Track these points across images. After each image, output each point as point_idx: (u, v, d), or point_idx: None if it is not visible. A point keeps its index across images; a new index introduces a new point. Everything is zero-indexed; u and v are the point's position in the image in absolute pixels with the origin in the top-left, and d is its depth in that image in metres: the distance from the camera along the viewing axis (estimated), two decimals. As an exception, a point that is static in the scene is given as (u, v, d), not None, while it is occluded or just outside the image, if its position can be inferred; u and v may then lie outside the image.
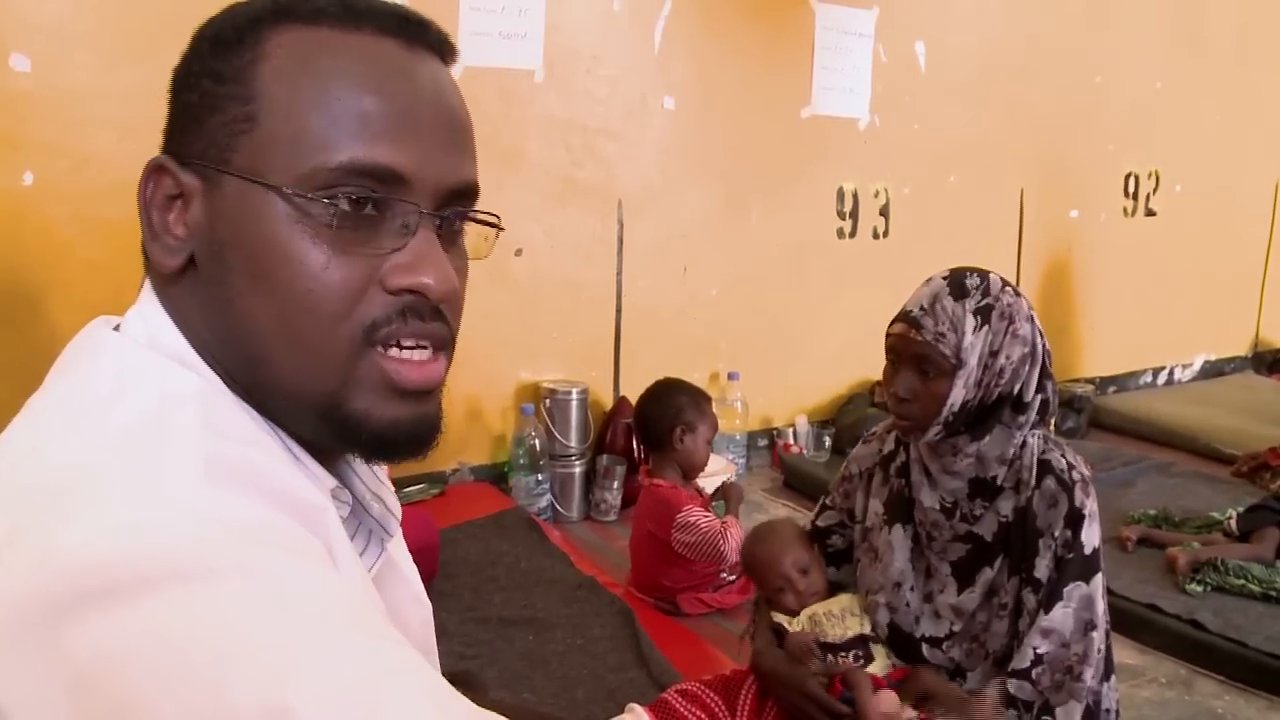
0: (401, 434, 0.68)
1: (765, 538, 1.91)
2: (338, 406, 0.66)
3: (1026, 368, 1.60)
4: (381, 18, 0.67)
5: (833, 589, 1.84)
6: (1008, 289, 1.63)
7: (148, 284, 0.71)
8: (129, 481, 0.56)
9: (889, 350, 1.66)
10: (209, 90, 0.66)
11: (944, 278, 1.64)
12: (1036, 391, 1.61)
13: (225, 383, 0.67)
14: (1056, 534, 1.58)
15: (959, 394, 1.58)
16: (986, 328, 1.58)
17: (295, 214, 0.64)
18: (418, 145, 0.66)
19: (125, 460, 0.58)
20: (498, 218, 0.74)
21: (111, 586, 0.51)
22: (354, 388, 0.66)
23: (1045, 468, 1.62)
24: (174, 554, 0.53)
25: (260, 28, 0.66)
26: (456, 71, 0.73)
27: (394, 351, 0.67)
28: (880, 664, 1.72)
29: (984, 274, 1.64)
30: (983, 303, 1.60)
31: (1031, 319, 1.62)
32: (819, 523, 1.92)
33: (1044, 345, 1.63)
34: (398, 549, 0.83)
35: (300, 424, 0.68)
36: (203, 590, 0.52)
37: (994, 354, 1.58)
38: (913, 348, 1.61)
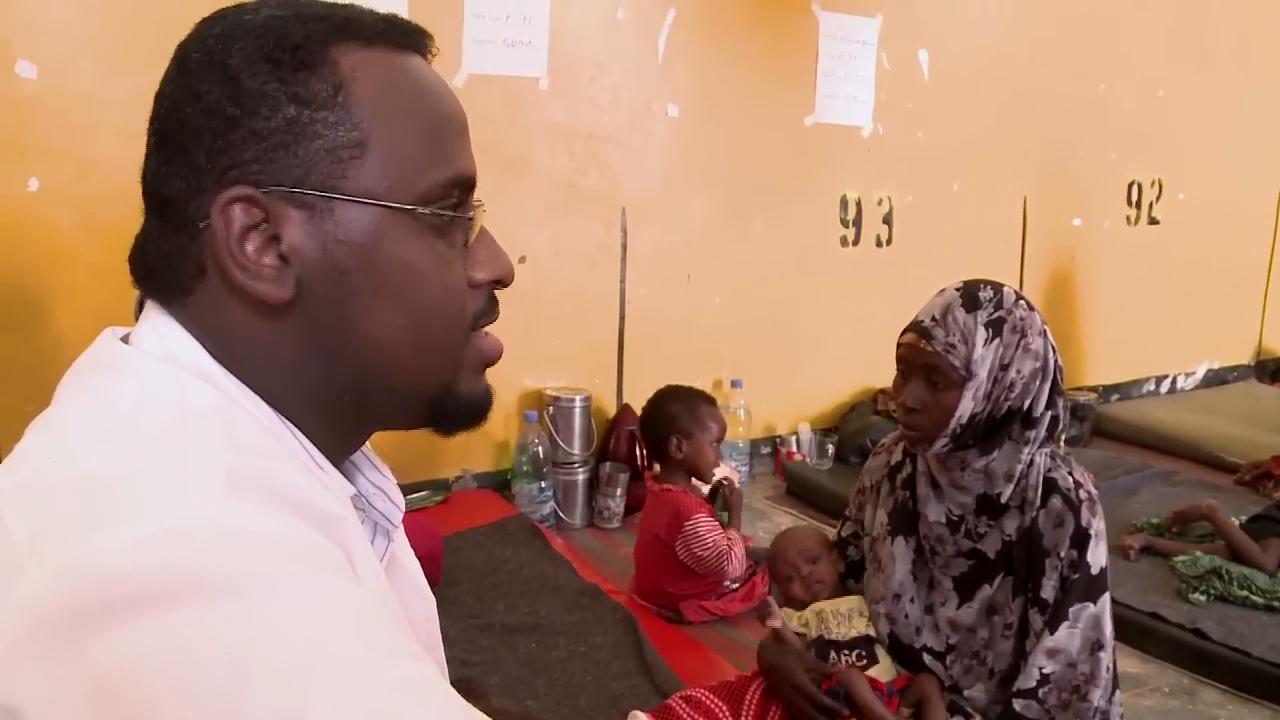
0: (488, 402, 0.77)
1: (780, 536, 1.99)
2: (449, 391, 0.74)
3: (1037, 383, 1.58)
4: (414, 37, 0.73)
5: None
6: (1021, 302, 1.62)
7: (153, 304, 0.70)
8: (152, 493, 0.57)
9: (899, 360, 1.66)
10: (296, 117, 0.66)
11: (957, 289, 1.63)
12: (1047, 408, 1.59)
13: (300, 399, 0.69)
14: (1063, 554, 1.57)
15: (968, 406, 1.57)
16: (998, 341, 1.57)
17: (419, 229, 0.69)
18: (469, 150, 0.74)
19: (148, 472, 0.58)
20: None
21: (134, 597, 0.52)
22: (461, 371, 0.74)
23: (1051, 486, 1.60)
24: (197, 565, 0.54)
25: (323, 49, 0.67)
26: (461, 79, 0.78)
27: (479, 332, 0.76)
28: (885, 666, 1.73)
29: (998, 286, 1.63)
30: (995, 315, 1.58)
31: (1045, 334, 1.61)
32: (842, 534, 1.95)
33: (1056, 361, 1.61)
34: (400, 543, 0.84)
35: (403, 416, 0.75)
36: (224, 602, 0.53)
37: (1004, 367, 1.57)
38: (923, 358, 1.60)
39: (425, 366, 0.72)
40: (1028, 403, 1.58)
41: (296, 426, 0.69)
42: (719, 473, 2.92)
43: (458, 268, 0.72)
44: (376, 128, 0.67)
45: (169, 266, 0.68)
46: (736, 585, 2.80)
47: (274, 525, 0.58)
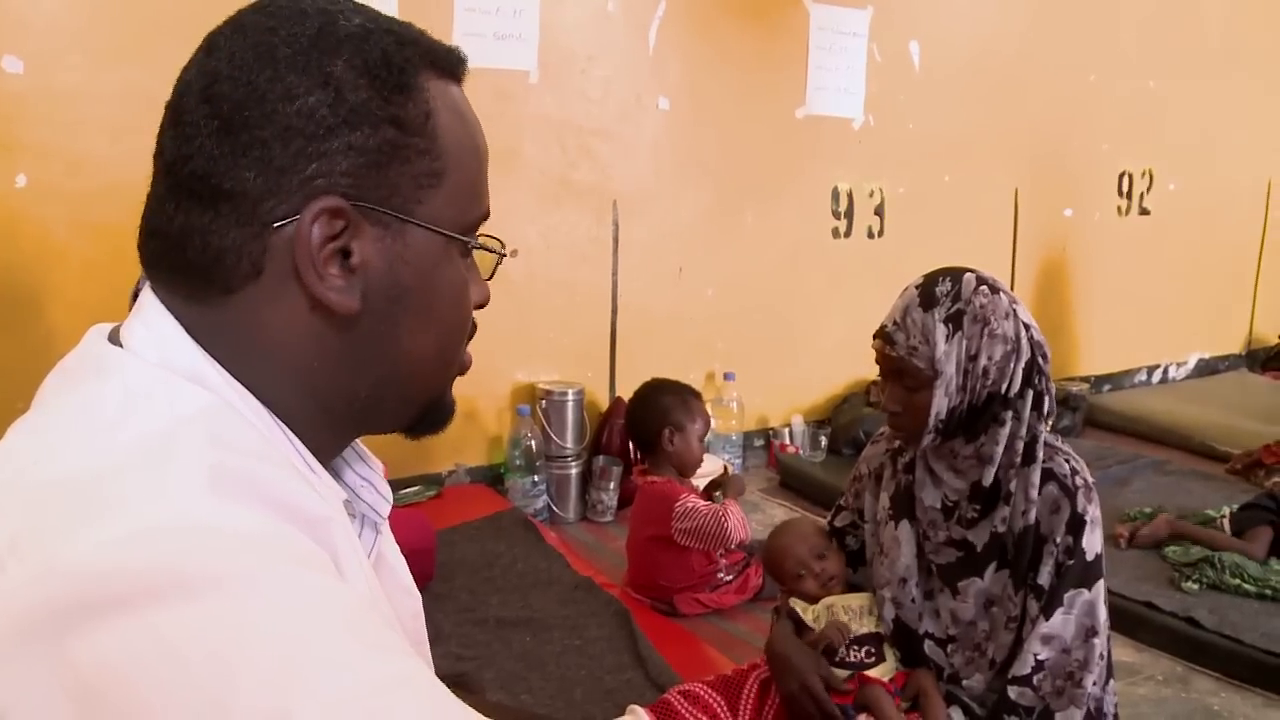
0: (454, 409, 0.82)
1: (781, 530, 1.96)
2: (441, 398, 0.79)
3: (1011, 364, 1.58)
4: (464, 67, 0.77)
5: (853, 591, 1.85)
6: (982, 288, 1.60)
7: (150, 296, 0.69)
8: (134, 492, 0.56)
9: (877, 363, 1.68)
10: (394, 139, 0.67)
11: (917, 286, 1.64)
12: (1026, 385, 1.59)
13: (311, 404, 0.70)
14: (1058, 540, 1.57)
15: (942, 403, 1.58)
16: (960, 334, 1.57)
17: (466, 259, 0.75)
18: None
19: (131, 471, 0.58)
20: None
21: (116, 597, 0.51)
22: (451, 383, 0.80)
23: (1047, 475, 1.60)
24: (178, 564, 0.53)
25: (417, 74, 0.70)
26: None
27: None
28: (890, 665, 1.73)
29: (958, 275, 1.62)
30: (953, 309, 1.58)
31: (1013, 313, 1.59)
32: (835, 523, 1.95)
33: (1032, 337, 1.60)
34: (386, 541, 0.84)
35: (398, 422, 0.78)
36: (207, 601, 0.52)
37: (973, 358, 1.57)
38: (891, 363, 1.63)
39: (438, 377, 0.77)
40: (1005, 386, 1.58)
41: (295, 429, 0.69)
42: (708, 467, 2.92)
43: (473, 291, 0.77)
44: (452, 160, 0.71)
45: (217, 263, 0.66)
46: (730, 577, 2.80)
47: (257, 524, 0.58)
